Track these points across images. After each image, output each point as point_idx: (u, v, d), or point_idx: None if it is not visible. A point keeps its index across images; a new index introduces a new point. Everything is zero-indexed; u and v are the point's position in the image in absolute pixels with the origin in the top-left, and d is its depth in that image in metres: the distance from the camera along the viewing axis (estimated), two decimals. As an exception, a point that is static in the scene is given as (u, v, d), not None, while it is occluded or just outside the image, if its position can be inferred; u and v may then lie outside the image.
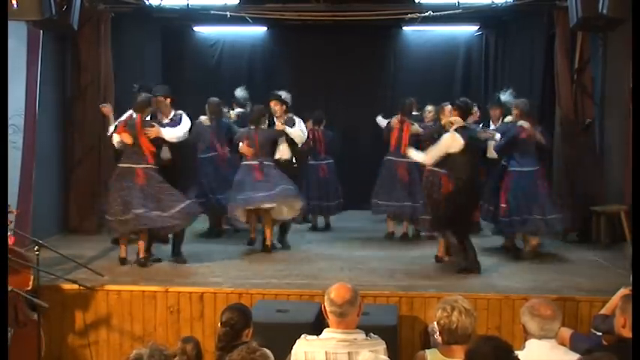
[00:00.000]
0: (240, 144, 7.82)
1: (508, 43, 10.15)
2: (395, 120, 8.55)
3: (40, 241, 5.96)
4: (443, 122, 7.08)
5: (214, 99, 8.57)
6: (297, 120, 7.93)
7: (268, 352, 3.25)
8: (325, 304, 3.52)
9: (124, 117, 7.19)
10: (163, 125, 7.23)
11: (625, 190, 8.50)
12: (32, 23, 7.07)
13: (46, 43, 7.82)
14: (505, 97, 8.24)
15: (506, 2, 8.75)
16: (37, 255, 5.80)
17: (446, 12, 9.02)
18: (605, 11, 6.22)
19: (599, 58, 8.68)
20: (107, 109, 7.61)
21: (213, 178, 8.41)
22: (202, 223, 8.65)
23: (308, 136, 8.40)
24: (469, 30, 10.88)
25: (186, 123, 7.34)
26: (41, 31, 7.50)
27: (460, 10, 8.95)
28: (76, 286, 6.14)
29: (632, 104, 4.71)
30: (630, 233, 8.07)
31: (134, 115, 7.08)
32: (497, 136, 7.66)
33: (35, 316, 5.53)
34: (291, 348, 3.58)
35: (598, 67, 8.70)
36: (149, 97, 7.24)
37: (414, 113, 8.85)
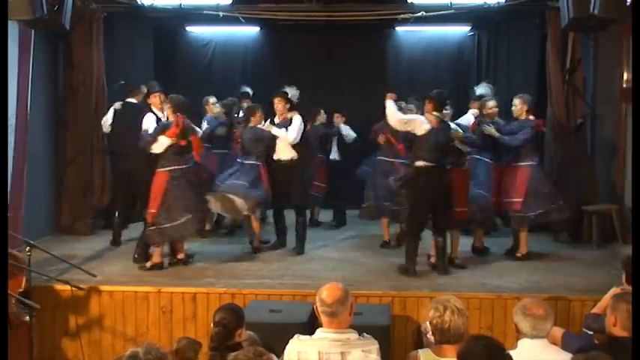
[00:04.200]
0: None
1: (500, 43, 10.16)
2: None
3: (32, 242, 5.93)
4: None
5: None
6: (296, 118, 7.71)
7: (274, 357, 3.27)
8: (317, 303, 3.53)
9: (151, 121, 7.20)
10: None
11: (616, 190, 8.56)
12: (24, 23, 7.04)
13: (38, 42, 7.79)
14: (481, 90, 8.24)
15: (498, 3, 8.77)
16: (29, 256, 5.78)
17: (438, 12, 9.04)
18: (596, 12, 6.26)
19: (591, 58, 8.72)
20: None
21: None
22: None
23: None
24: (462, 30, 10.90)
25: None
26: (33, 31, 7.48)
27: (453, 11, 8.97)
28: (68, 287, 6.10)
29: (633, 104, 4.73)
30: (621, 233, 8.14)
31: (170, 118, 7.02)
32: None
33: (27, 318, 5.50)
34: (284, 348, 3.58)
35: (589, 67, 8.74)
36: (184, 98, 7.21)
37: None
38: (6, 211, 5.29)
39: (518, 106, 7.54)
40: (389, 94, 7.04)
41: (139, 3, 8.97)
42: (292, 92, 7.93)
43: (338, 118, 9.59)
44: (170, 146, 6.91)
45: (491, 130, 7.42)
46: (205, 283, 6.55)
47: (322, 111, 9.47)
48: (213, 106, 8.90)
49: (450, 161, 6.98)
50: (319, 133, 9.26)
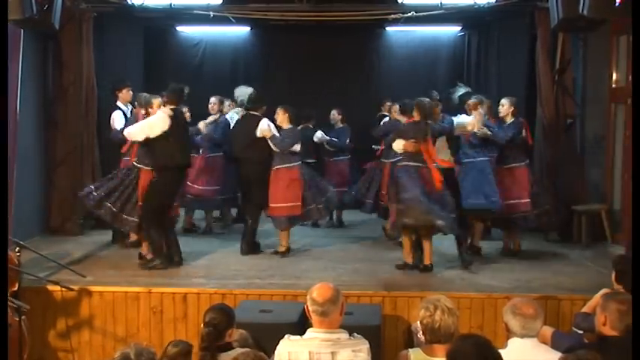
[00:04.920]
0: None
1: (490, 43, 10.20)
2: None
3: (22, 242, 5.91)
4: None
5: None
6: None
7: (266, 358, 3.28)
8: (307, 303, 3.53)
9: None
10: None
11: (605, 190, 8.61)
12: (13, 22, 6.99)
13: (28, 42, 7.73)
14: (461, 90, 8.24)
15: (488, 3, 8.80)
16: (19, 256, 5.75)
17: (429, 12, 9.06)
18: (585, 12, 6.28)
19: (580, 58, 8.77)
20: None
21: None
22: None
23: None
24: (452, 30, 10.94)
25: (147, 120, 7.07)
26: (22, 30, 7.43)
27: (443, 11, 9.00)
28: (58, 288, 6.10)
29: (633, 104, 4.75)
30: (610, 232, 8.19)
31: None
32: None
33: (17, 318, 5.47)
34: (275, 348, 3.58)
35: (579, 67, 8.79)
36: (147, 96, 7.30)
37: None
38: (6, 211, 5.23)
39: (505, 106, 7.62)
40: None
41: (129, 3, 8.94)
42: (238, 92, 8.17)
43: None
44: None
45: (485, 131, 7.41)
46: (196, 283, 6.54)
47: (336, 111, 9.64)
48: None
49: None
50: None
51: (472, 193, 7.31)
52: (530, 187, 7.51)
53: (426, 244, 6.93)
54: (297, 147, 7.63)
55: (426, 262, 6.92)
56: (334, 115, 9.67)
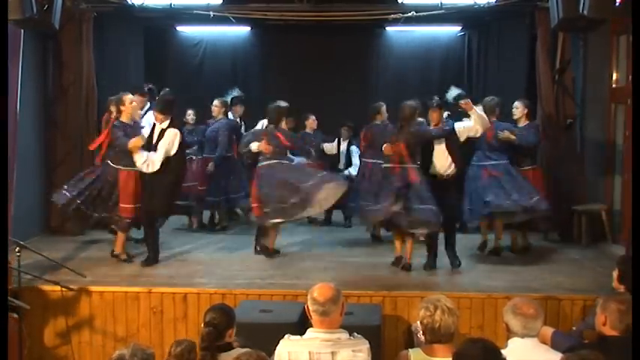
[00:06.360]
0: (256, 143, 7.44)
1: (490, 43, 10.20)
2: None
3: (22, 242, 5.91)
4: None
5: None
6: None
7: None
8: (308, 303, 3.53)
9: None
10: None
11: (605, 189, 8.61)
12: (13, 22, 6.99)
13: (28, 41, 7.72)
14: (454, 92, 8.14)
15: (488, 3, 8.81)
16: (19, 256, 5.76)
17: (429, 12, 9.06)
18: (585, 12, 6.29)
19: (580, 58, 8.77)
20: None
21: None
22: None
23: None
24: (452, 30, 10.93)
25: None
26: (22, 30, 7.43)
27: (443, 11, 9.00)
28: (57, 288, 6.10)
29: (633, 104, 4.75)
30: (610, 232, 8.18)
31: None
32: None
33: (15, 316, 5.48)
34: (275, 348, 3.58)
35: (579, 67, 8.78)
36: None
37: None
38: (6, 211, 5.23)
39: (519, 109, 7.66)
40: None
41: (129, 3, 8.94)
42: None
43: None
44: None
45: (508, 135, 7.38)
46: (196, 283, 6.54)
47: (313, 117, 9.43)
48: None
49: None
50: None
51: (498, 195, 7.19)
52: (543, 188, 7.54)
53: (408, 243, 7.07)
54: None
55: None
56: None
